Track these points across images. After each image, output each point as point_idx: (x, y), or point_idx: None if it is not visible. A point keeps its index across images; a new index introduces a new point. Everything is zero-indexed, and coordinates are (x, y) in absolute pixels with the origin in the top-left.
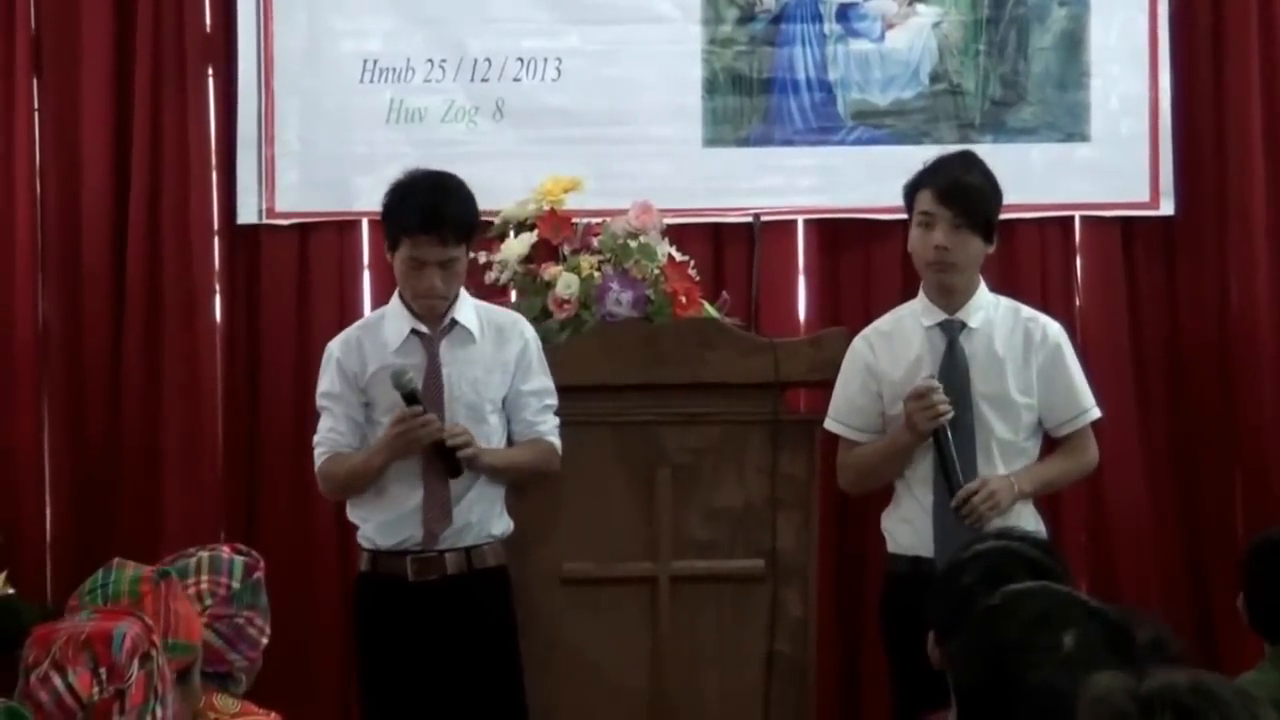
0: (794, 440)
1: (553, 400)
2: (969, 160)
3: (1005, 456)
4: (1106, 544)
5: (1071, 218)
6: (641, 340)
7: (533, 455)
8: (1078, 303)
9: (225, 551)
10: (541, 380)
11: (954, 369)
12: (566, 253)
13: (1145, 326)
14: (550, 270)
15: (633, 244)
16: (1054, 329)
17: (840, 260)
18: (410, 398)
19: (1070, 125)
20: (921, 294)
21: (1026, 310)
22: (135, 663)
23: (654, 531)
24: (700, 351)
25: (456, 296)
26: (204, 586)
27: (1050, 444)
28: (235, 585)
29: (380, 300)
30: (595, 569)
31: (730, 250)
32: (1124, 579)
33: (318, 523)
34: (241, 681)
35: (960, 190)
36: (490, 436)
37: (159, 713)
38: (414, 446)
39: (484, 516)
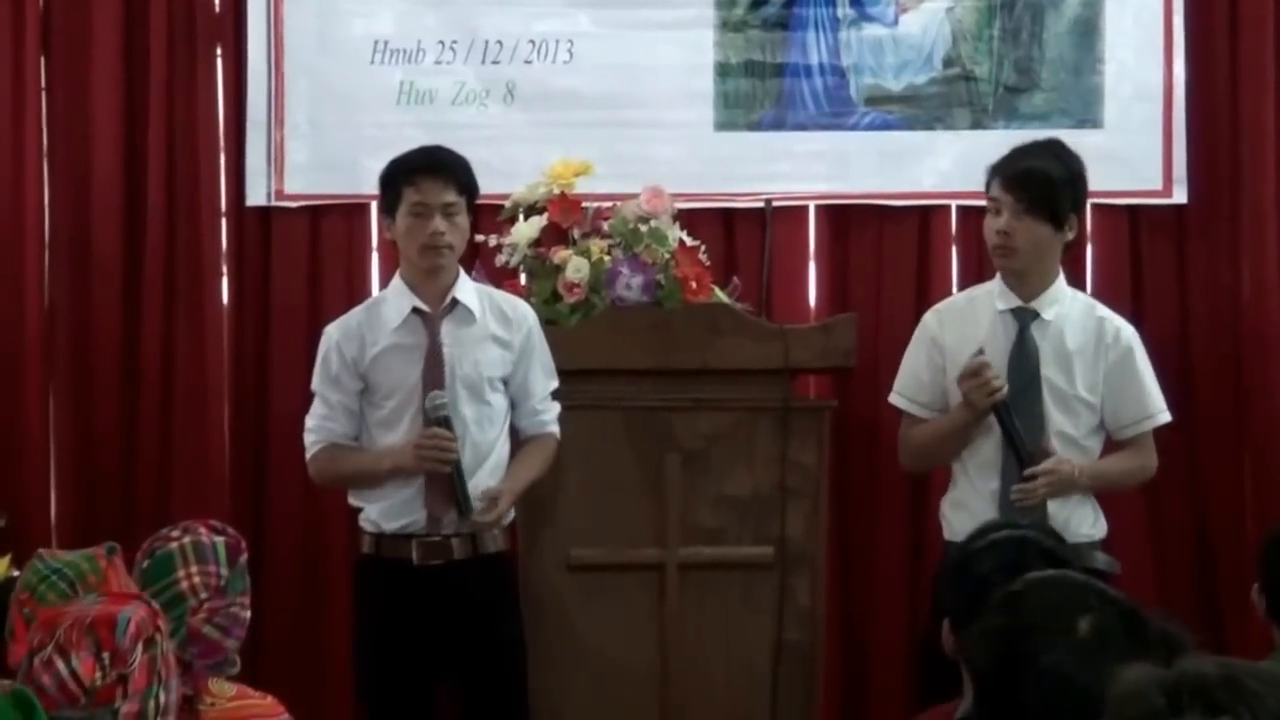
0: (804, 427)
1: (555, 383)
2: (1048, 147)
3: (1065, 452)
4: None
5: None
6: (651, 325)
7: (541, 461)
8: (1087, 291)
9: (204, 533)
10: (547, 368)
11: (1023, 358)
12: (576, 237)
13: (1155, 315)
14: (560, 254)
15: (643, 228)
16: (1127, 330)
17: (851, 246)
18: (439, 423)
19: (1083, 112)
20: (998, 277)
21: (1102, 309)
22: (139, 647)
23: (662, 518)
24: (710, 337)
25: (456, 272)
26: (196, 580)
27: (1110, 448)
28: (225, 573)
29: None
30: (603, 555)
31: (741, 235)
32: (1130, 567)
33: (327, 507)
34: (236, 663)
35: (1025, 176)
36: (492, 417)
37: (162, 698)
38: (428, 467)
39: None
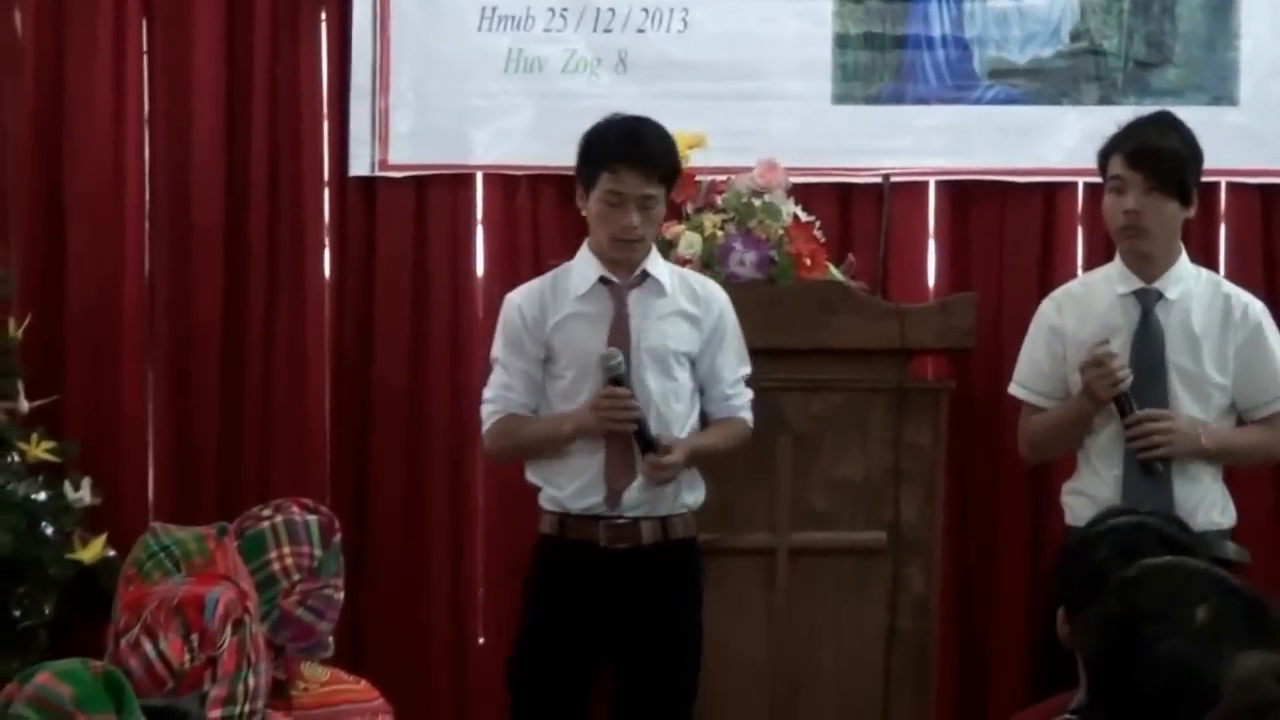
0: (919, 409)
1: (748, 370)
2: (1165, 121)
3: None
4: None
5: (1217, 184)
6: (764, 303)
7: (728, 439)
8: (1221, 272)
9: (296, 511)
10: (738, 352)
11: (1148, 341)
12: (690, 211)
13: None
14: (673, 229)
15: (757, 203)
16: (1256, 307)
17: (972, 224)
18: (616, 381)
19: (1217, 88)
20: (1118, 259)
21: (1228, 285)
22: (228, 629)
23: (773, 501)
24: (824, 316)
25: (649, 251)
26: (289, 561)
27: None
28: (318, 553)
29: (495, 257)
30: (712, 540)
31: (858, 211)
32: (1262, 557)
33: (430, 489)
34: (330, 647)
35: (1151, 153)
36: (679, 392)
37: (251, 681)
38: (609, 426)
39: (678, 484)
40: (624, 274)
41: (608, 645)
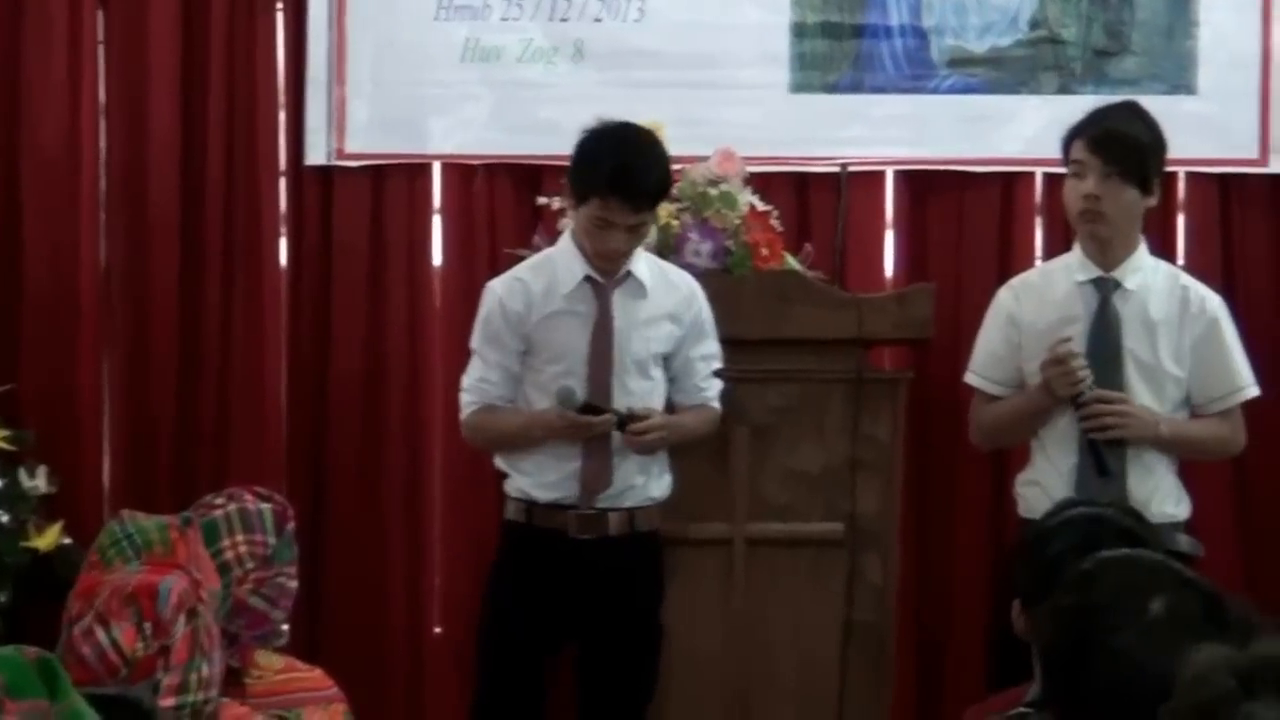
0: (877, 400)
1: (719, 364)
2: (1130, 109)
3: None
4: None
5: (1175, 173)
6: (720, 293)
7: (702, 423)
8: (1179, 262)
9: (249, 500)
10: (712, 345)
11: (1105, 330)
12: None
13: (1248, 288)
14: None
15: (713, 192)
16: (1214, 301)
17: (930, 213)
18: (585, 410)
19: (1176, 77)
20: (1076, 248)
21: (1187, 278)
22: (181, 618)
23: (730, 492)
24: (781, 306)
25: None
26: (242, 549)
27: None
28: (272, 542)
29: (452, 246)
30: (668, 531)
31: (815, 201)
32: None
33: (387, 478)
34: (284, 635)
35: (1112, 138)
36: (655, 390)
37: (205, 670)
38: (581, 436)
39: (646, 478)
40: (608, 274)
41: (570, 632)
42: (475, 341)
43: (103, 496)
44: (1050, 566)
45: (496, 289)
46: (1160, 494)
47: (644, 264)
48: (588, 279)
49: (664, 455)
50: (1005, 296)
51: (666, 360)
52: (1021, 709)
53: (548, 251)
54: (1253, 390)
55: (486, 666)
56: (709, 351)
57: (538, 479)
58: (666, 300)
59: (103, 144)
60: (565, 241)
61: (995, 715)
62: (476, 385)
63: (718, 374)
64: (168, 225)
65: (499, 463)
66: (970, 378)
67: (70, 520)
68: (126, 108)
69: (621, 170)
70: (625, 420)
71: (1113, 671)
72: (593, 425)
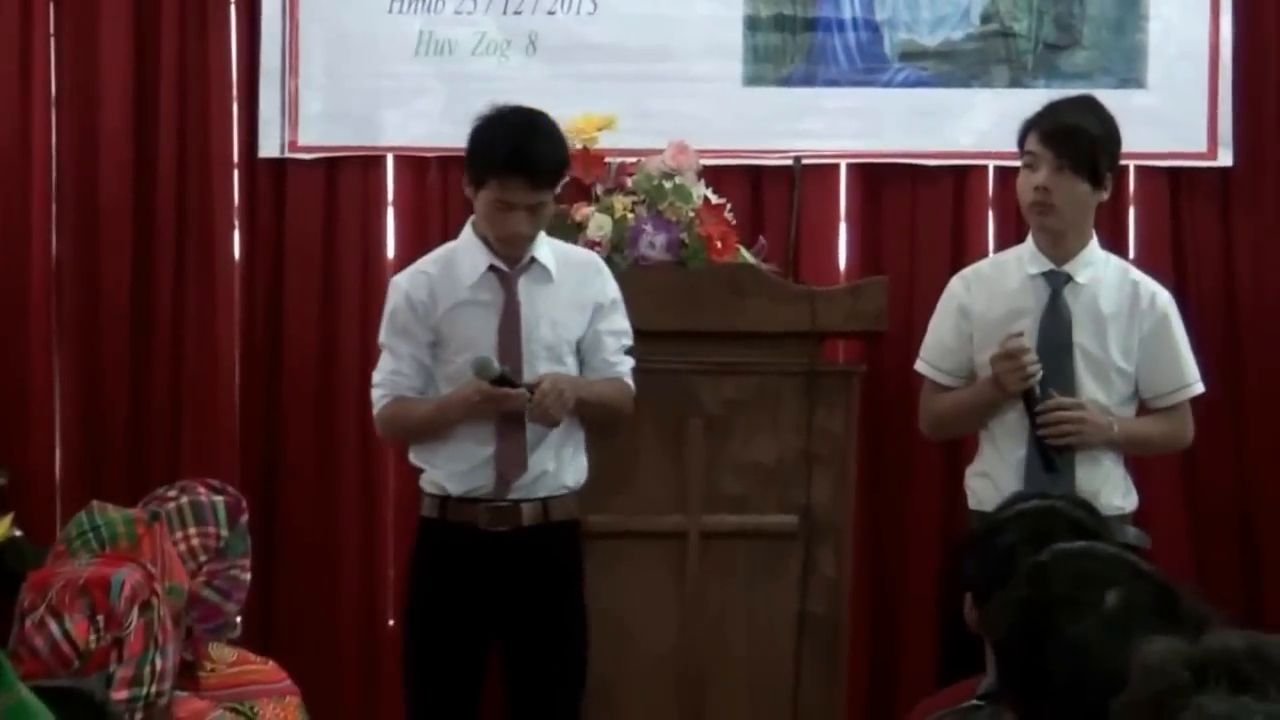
0: (831, 393)
1: (629, 341)
2: (1085, 103)
3: None
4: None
5: (1125, 167)
6: (674, 286)
7: (614, 392)
8: (1130, 256)
9: (202, 493)
10: (620, 321)
11: (1056, 323)
12: (599, 193)
13: (1198, 281)
14: (582, 211)
15: (667, 185)
16: (1164, 296)
17: (883, 206)
18: (500, 381)
19: (1126, 71)
20: (1029, 240)
21: (1137, 273)
22: (134, 611)
23: (684, 485)
24: (735, 299)
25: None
26: (195, 542)
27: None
28: (225, 534)
29: (405, 239)
30: (622, 523)
31: (769, 194)
32: (1163, 541)
33: (340, 470)
34: (237, 628)
35: (1064, 132)
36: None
37: (159, 663)
38: (497, 412)
39: (559, 465)
40: (512, 261)
41: (492, 628)
42: (384, 336)
43: (54, 489)
44: (1002, 559)
45: (401, 283)
46: (1109, 486)
47: (547, 249)
48: (492, 268)
49: (578, 439)
50: (957, 286)
51: (579, 345)
52: (974, 701)
53: (450, 244)
54: (1199, 387)
55: (412, 670)
56: (618, 327)
57: (451, 469)
58: (573, 282)
59: (54, 136)
60: (467, 233)
61: (947, 710)
62: (389, 379)
63: (629, 353)
64: (120, 217)
65: (413, 458)
66: (920, 366)
67: (21, 513)
68: (78, 100)
69: (518, 150)
70: (534, 392)
71: (1068, 663)
72: (509, 397)
